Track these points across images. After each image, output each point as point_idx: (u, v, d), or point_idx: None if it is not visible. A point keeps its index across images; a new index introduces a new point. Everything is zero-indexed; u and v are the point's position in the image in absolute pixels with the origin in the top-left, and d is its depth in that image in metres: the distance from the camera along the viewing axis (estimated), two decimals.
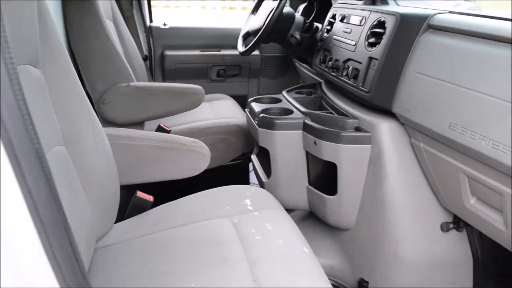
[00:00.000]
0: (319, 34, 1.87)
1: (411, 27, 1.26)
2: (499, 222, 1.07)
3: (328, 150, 1.39)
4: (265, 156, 1.66)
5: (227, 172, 2.10)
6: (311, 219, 1.75)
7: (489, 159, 0.96)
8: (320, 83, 1.86)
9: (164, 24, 2.75)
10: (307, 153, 1.53)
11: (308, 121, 1.48)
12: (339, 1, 1.83)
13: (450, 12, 1.27)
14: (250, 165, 2.12)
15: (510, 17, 1.12)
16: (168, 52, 2.69)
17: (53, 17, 1.02)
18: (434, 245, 1.38)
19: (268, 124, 1.53)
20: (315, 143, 1.43)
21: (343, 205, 1.46)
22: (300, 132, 1.50)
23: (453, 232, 1.38)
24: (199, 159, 1.31)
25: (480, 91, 1.00)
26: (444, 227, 1.36)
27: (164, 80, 2.73)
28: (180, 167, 1.31)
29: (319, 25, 1.94)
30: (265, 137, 1.56)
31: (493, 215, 1.08)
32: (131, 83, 1.75)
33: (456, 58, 1.10)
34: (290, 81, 2.74)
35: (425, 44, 1.22)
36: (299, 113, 1.57)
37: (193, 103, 1.87)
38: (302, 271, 1.01)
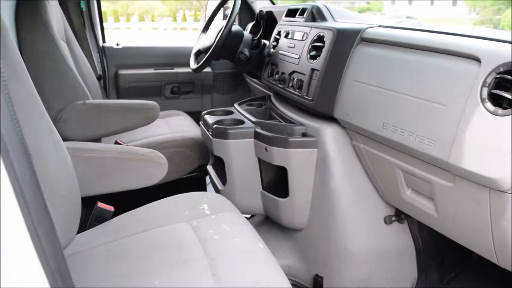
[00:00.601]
0: (266, 50, 2.00)
1: (347, 40, 1.41)
2: (431, 209, 1.20)
3: (278, 156, 1.50)
4: (220, 166, 1.75)
5: (185, 185, 2.16)
6: (267, 224, 1.85)
7: (417, 152, 1.10)
8: (269, 96, 1.98)
9: (117, 44, 2.80)
10: (259, 159, 1.63)
11: (259, 130, 1.58)
12: (283, 19, 1.96)
13: (379, 26, 1.43)
14: (207, 178, 2.19)
15: (429, 29, 1.28)
16: (122, 71, 2.75)
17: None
18: (380, 237, 1.50)
19: (221, 134, 1.62)
20: (266, 149, 1.53)
21: (295, 206, 1.57)
22: (251, 140, 1.60)
23: (396, 224, 1.52)
24: (157, 168, 1.38)
25: (406, 93, 1.14)
26: (387, 220, 1.49)
27: (118, 99, 2.77)
28: (139, 177, 1.38)
29: (267, 42, 2.07)
30: (219, 146, 1.65)
31: (427, 203, 1.22)
32: (87, 101, 1.80)
33: (385, 65, 1.24)
34: (242, 96, 2.85)
35: (359, 55, 1.36)
36: (250, 123, 1.67)
37: (149, 118, 1.94)
38: (257, 262, 1.10)
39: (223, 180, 1.75)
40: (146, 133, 2.16)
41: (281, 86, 1.70)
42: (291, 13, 1.90)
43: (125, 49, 2.81)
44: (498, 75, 0.93)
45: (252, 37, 2.09)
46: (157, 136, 2.12)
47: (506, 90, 0.93)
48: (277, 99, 1.86)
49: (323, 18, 1.68)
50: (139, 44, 2.91)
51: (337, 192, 1.47)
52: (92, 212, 1.32)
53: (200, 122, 1.90)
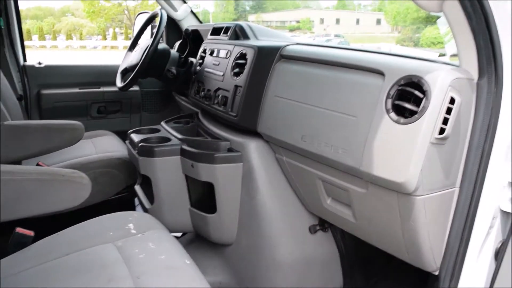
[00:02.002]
0: (193, 67, 2.02)
1: (267, 57, 1.46)
2: (350, 215, 1.27)
3: (204, 171, 1.52)
4: (148, 185, 1.73)
5: (112, 206, 2.11)
6: (197, 241, 1.84)
7: (334, 162, 1.16)
8: (197, 113, 2.00)
9: (39, 63, 2.70)
10: (186, 176, 1.64)
11: (185, 147, 1.59)
12: (208, 37, 2.00)
13: (297, 43, 1.50)
14: (136, 199, 2.16)
15: (341, 46, 1.36)
16: (45, 91, 2.65)
17: None
18: (305, 246, 1.55)
19: (147, 152, 1.61)
20: (192, 166, 1.54)
21: (224, 221, 1.59)
22: (178, 157, 1.61)
23: (320, 233, 1.58)
24: (79, 189, 1.34)
25: (322, 107, 1.21)
26: (312, 229, 1.55)
27: (41, 120, 2.66)
28: (61, 199, 1.33)
29: (194, 60, 2.09)
30: (145, 165, 1.63)
31: (345, 210, 1.28)
32: (5, 122, 1.72)
33: (303, 81, 1.30)
34: (172, 114, 2.81)
35: (279, 71, 1.42)
36: (176, 140, 1.68)
37: (73, 139, 1.88)
38: (184, 278, 1.10)
39: (151, 199, 1.73)
40: (70, 154, 2.08)
41: (207, 103, 1.73)
42: (216, 31, 1.94)
43: (48, 68, 2.71)
44: (400, 87, 1.02)
45: (179, 55, 2.10)
46: (82, 157, 2.05)
47: (408, 101, 1.01)
48: (204, 116, 1.88)
49: (246, 37, 1.73)
50: (63, 62, 2.83)
51: (263, 204, 1.50)
52: (10, 238, 1.26)
53: (126, 141, 1.87)
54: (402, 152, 0.98)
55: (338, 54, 1.25)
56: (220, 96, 1.62)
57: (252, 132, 1.49)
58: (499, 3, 0.93)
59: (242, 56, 1.56)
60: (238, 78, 1.53)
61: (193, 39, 2.33)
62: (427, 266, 1.13)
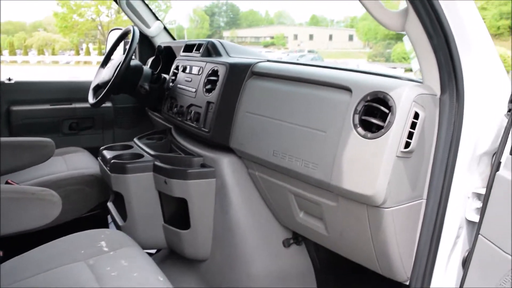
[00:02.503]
0: (166, 84, 2.02)
1: (238, 74, 1.48)
2: (322, 229, 1.29)
3: (178, 187, 1.52)
4: (120, 201, 1.72)
5: (85, 224, 2.07)
6: (172, 258, 1.83)
7: (305, 176, 1.18)
8: (170, 129, 2.00)
9: (9, 79, 2.65)
10: (159, 193, 1.63)
11: (158, 163, 1.59)
12: (181, 54, 2.01)
13: (268, 60, 1.53)
14: (109, 216, 2.13)
15: (310, 63, 1.40)
16: (15, 108, 2.59)
17: None
18: (280, 260, 1.56)
19: (119, 168, 1.60)
20: (165, 182, 1.54)
21: (197, 237, 1.58)
22: (151, 173, 1.60)
23: (294, 246, 1.59)
24: (50, 207, 1.32)
25: (292, 122, 1.23)
26: (286, 243, 1.56)
27: (11, 137, 2.60)
28: (30, 217, 1.31)
29: (166, 76, 2.09)
30: (118, 181, 1.62)
31: (317, 223, 1.30)
32: None
33: (274, 97, 1.33)
34: (145, 130, 2.79)
35: (250, 88, 1.44)
36: (149, 156, 1.67)
37: (43, 156, 1.85)
38: None
39: (124, 216, 1.72)
40: (41, 172, 2.05)
41: (180, 119, 1.73)
42: (189, 48, 1.96)
43: (18, 84, 2.66)
44: (366, 103, 1.05)
45: (152, 72, 2.10)
46: (53, 174, 2.02)
47: (375, 116, 1.05)
48: (177, 132, 1.88)
49: (218, 53, 1.75)
50: (34, 78, 2.78)
51: (237, 219, 1.51)
52: None
53: (98, 158, 1.85)
54: (370, 166, 1.01)
55: (308, 71, 1.29)
56: (192, 112, 1.63)
57: (225, 147, 1.51)
58: (458, 23, 0.97)
59: (214, 72, 1.57)
60: (210, 94, 1.54)
61: (166, 56, 2.34)
62: (397, 277, 1.15)
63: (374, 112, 1.05)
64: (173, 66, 1.99)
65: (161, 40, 2.64)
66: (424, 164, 1.06)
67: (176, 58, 2.02)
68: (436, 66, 1.02)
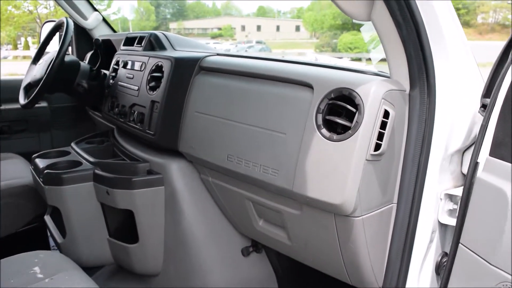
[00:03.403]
0: (106, 81, 1.84)
1: (185, 69, 1.34)
2: (284, 238, 1.18)
3: (122, 198, 1.36)
4: (59, 215, 1.53)
5: (22, 239, 1.87)
6: (120, 274, 1.66)
7: (263, 183, 1.06)
8: (112, 130, 1.82)
9: None
10: (102, 204, 1.46)
11: (99, 171, 1.42)
12: (121, 48, 1.83)
13: (218, 54, 1.39)
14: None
15: (266, 57, 1.27)
16: None
17: None
18: (240, 270, 1.44)
19: (54, 180, 1.42)
20: (107, 192, 1.38)
21: (147, 251, 1.43)
22: (91, 183, 1.43)
23: (254, 255, 1.47)
24: None
25: (247, 123, 1.10)
26: (245, 252, 1.44)
27: None
28: None
29: (107, 72, 1.91)
30: (53, 194, 1.44)
31: (279, 232, 1.19)
32: None
33: (225, 95, 1.19)
34: (86, 131, 2.59)
35: (199, 85, 1.30)
36: (88, 164, 1.49)
37: None
38: None
39: (63, 232, 1.53)
40: None
41: (122, 120, 1.56)
42: (129, 41, 1.78)
43: None
44: (330, 101, 0.94)
45: (91, 67, 1.92)
46: None
47: (340, 116, 0.94)
48: (121, 134, 1.71)
49: (162, 47, 1.59)
50: None
51: (190, 229, 1.37)
52: None
53: (30, 167, 1.65)
54: (337, 172, 0.90)
55: (263, 65, 1.16)
56: (136, 112, 1.47)
57: (174, 151, 1.36)
58: (429, 10, 0.88)
59: (158, 68, 1.42)
60: (154, 92, 1.39)
61: (105, 50, 2.14)
62: (368, 286, 1.06)
63: (339, 111, 0.95)
64: (113, 62, 1.81)
65: (100, 32, 2.43)
66: (394, 166, 0.97)
67: (116, 53, 1.84)
68: (405, 58, 0.93)
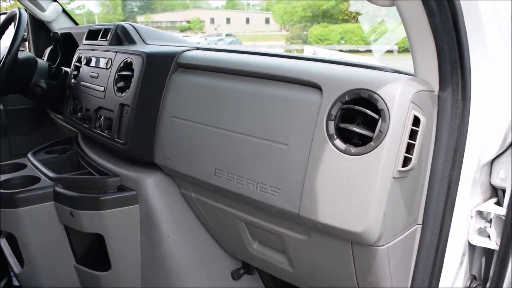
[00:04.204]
0: (68, 80, 1.63)
1: (160, 67, 1.14)
2: (285, 263, 1.01)
3: (89, 221, 1.15)
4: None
5: None
6: None
7: (260, 203, 0.88)
8: (77, 137, 1.60)
9: None
10: (66, 227, 1.25)
11: (60, 189, 1.20)
12: (84, 42, 1.61)
13: (197, 48, 1.19)
14: None
15: (261, 52, 1.09)
16: None
17: None
18: None
19: (7, 201, 1.20)
20: (71, 214, 1.17)
21: (121, 279, 1.23)
22: (51, 203, 1.21)
23: (246, 277, 1.30)
24: None
25: (239, 131, 0.92)
26: (235, 275, 1.27)
27: None
28: None
29: (69, 69, 1.69)
30: (6, 218, 1.21)
31: (278, 257, 1.02)
32: None
33: (210, 97, 1.00)
34: (48, 136, 2.35)
35: (176, 85, 1.10)
36: (47, 180, 1.27)
37: None
38: None
39: (21, 260, 1.30)
40: None
41: (86, 126, 1.35)
42: (93, 35, 1.56)
43: None
44: (344, 105, 0.76)
45: (50, 65, 1.73)
46: None
47: (353, 122, 0.77)
48: (86, 141, 1.49)
49: (131, 41, 1.38)
50: None
51: (171, 253, 1.18)
52: None
53: None
54: (356, 193, 0.73)
55: (257, 61, 0.97)
56: (102, 117, 1.26)
57: (148, 164, 1.16)
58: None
59: (127, 66, 1.21)
60: (123, 94, 1.18)
61: (67, 45, 1.91)
62: None
63: (353, 116, 0.77)
64: (75, 58, 1.59)
65: (61, 25, 2.19)
66: (420, 181, 0.80)
67: (78, 48, 1.62)
68: (434, 52, 0.76)
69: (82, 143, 1.49)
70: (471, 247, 0.90)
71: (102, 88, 1.29)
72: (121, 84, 1.21)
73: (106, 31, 1.46)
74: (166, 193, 1.16)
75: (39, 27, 2.24)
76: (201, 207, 1.12)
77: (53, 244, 1.26)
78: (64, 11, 2.22)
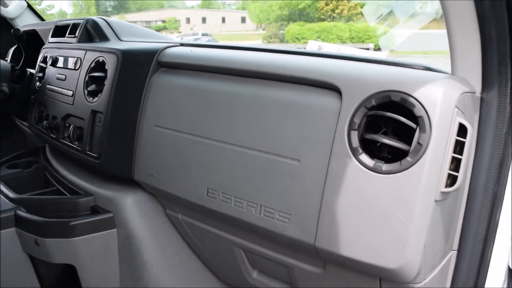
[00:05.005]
0: (33, 83, 1.45)
1: (138, 66, 0.97)
2: None
3: (57, 250, 0.98)
4: None
5: None
6: None
7: (265, 231, 0.73)
8: (44, 147, 1.42)
9: None
10: (31, 256, 1.07)
11: (22, 213, 1.03)
12: (49, 40, 1.43)
13: (182, 44, 1.03)
14: None
15: (264, 47, 0.93)
16: None
17: None
18: None
19: None
20: (36, 243, 0.99)
21: None
22: (13, 230, 1.03)
23: None
24: None
25: (237, 144, 0.76)
26: None
27: None
28: None
29: (34, 71, 1.52)
30: None
31: None
32: None
33: (197, 101, 0.85)
34: (15, 145, 2.16)
35: (158, 87, 0.94)
36: (7, 201, 1.09)
37: None
38: None
39: None
40: None
41: (53, 136, 1.17)
42: (60, 31, 1.38)
43: None
44: (371, 112, 0.62)
45: (12, 66, 1.55)
46: None
47: (384, 133, 0.62)
48: (55, 153, 1.31)
49: (103, 37, 1.21)
50: None
51: (155, 284, 1.02)
52: None
53: None
54: (389, 220, 0.58)
55: (258, 59, 0.81)
56: (71, 126, 1.09)
57: (127, 180, 0.99)
58: None
59: (99, 66, 1.04)
60: (95, 99, 1.01)
61: (31, 44, 1.72)
62: None
63: (380, 125, 0.63)
64: (40, 58, 1.41)
65: (26, 22, 2.00)
66: (459, 201, 0.67)
67: (43, 47, 1.43)
68: (479, 45, 0.62)
69: (50, 156, 1.31)
70: (509, 271, 0.77)
71: (70, 92, 1.12)
72: (92, 87, 1.04)
73: (74, 27, 1.29)
74: (148, 214, 1.00)
75: (1, 25, 2.04)
76: (190, 230, 0.97)
77: (14, 277, 1.08)
78: (29, 6, 2.03)
